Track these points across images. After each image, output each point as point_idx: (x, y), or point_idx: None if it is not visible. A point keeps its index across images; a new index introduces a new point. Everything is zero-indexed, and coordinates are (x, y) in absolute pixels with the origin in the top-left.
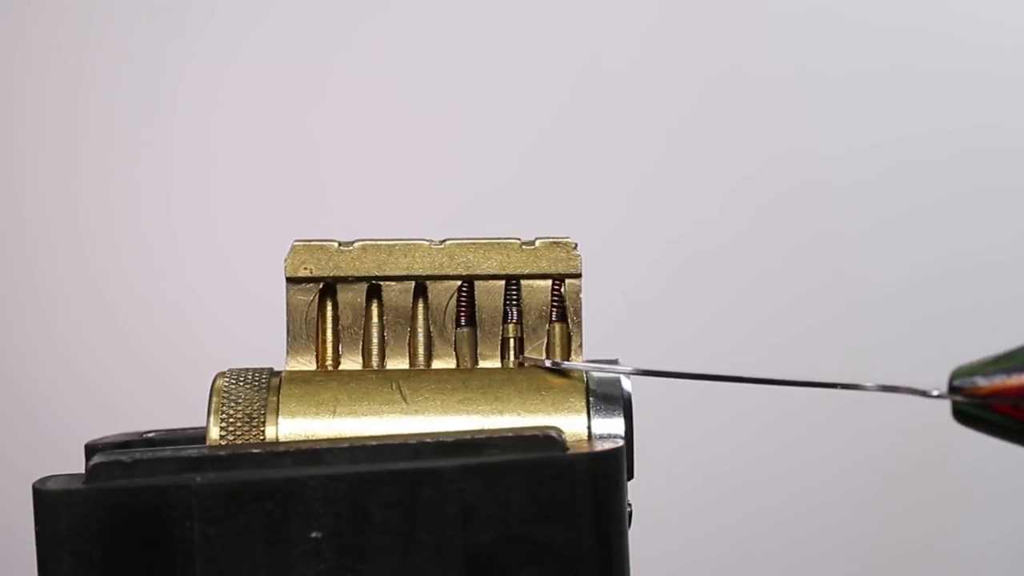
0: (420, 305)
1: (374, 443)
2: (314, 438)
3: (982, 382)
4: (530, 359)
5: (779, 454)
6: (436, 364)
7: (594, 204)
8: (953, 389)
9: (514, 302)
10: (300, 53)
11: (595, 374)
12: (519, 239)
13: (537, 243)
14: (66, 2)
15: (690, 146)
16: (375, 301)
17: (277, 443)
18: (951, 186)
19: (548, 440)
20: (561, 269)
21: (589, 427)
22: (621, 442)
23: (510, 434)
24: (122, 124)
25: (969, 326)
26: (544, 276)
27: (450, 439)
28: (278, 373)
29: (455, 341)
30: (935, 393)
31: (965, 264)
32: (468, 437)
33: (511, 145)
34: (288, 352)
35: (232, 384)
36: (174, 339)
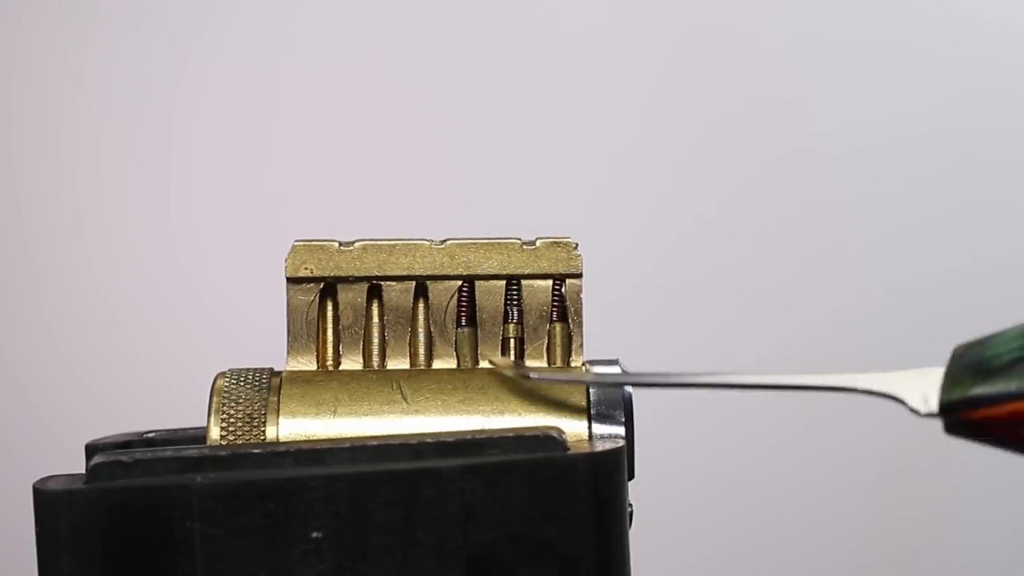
0: (421, 305)
1: (375, 443)
2: (315, 438)
3: (973, 406)
4: (496, 364)
5: (779, 454)
6: (437, 364)
7: (594, 204)
8: (945, 409)
9: (515, 302)
10: (299, 53)
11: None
12: (520, 239)
13: (538, 243)
14: (66, 2)
15: (690, 145)
16: (376, 301)
17: (278, 443)
18: (951, 185)
19: (549, 440)
20: (562, 269)
21: (590, 427)
22: (622, 442)
23: (511, 434)
24: (122, 124)
25: (969, 326)
26: (545, 276)
27: (451, 439)
28: (279, 373)
29: (456, 341)
30: (923, 412)
31: (965, 263)
32: (469, 437)
33: (511, 145)
34: (289, 352)
35: (233, 384)
36: (175, 339)
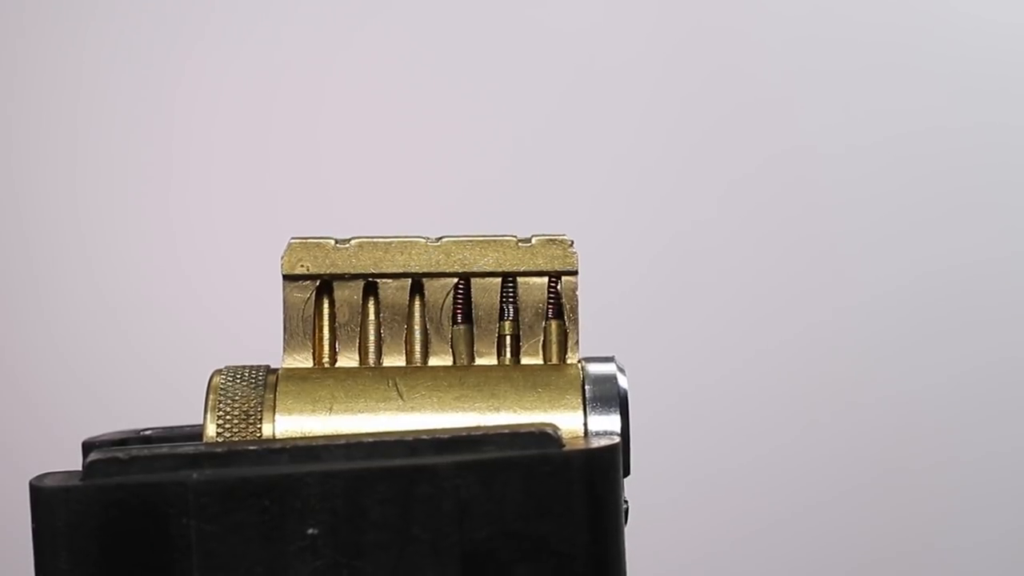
0: (416, 302)
1: (370, 440)
2: (311, 435)
3: None
4: None
5: (776, 452)
6: (432, 361)
7: (591, 201)
8: None
9: (510, 299)
10: (298, 51)
11: (592, 369)
12: (515, 236)
13: (533, 240)
14: (66, 1)
15: (687, 143)
16: (372, 298)
17: (274, 440)
18: (950, 183)
19: (544, 437)
20: (557, 266)
21: (585, 424)
22: (617, 439)
23: (506, 431)
24: (122, 123)
25: (969, 325)
26: (540, 273)
27: (446, 436)
28: (275, 370)
29: (451, 338)
30: None
31: (965, 262)
32: (464, 434)
33: (508, 143)
34: (285, 349)
35: (229, 381)
36: (172, 337)
